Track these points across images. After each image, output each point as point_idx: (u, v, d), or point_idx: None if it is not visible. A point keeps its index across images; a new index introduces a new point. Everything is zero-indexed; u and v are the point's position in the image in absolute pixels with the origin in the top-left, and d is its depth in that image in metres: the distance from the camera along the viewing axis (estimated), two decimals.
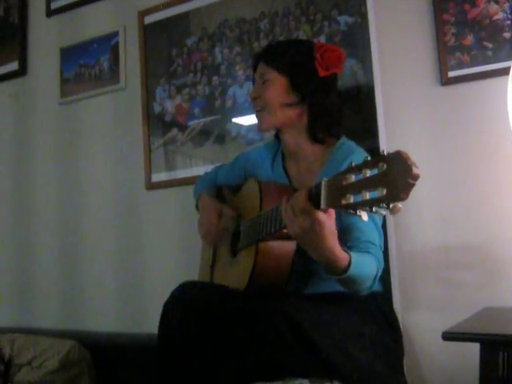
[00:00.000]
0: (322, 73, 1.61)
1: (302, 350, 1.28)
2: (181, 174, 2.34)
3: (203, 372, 1.39)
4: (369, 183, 0.98)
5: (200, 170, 2.25)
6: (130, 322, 2.38)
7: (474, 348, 1.21)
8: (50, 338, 2.26)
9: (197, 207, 1.87)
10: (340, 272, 1.29)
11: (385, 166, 0.95)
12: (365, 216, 1.03)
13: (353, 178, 1.03)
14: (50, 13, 2.75)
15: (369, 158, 1.00)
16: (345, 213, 1.06)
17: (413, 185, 0.92)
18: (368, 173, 0.99)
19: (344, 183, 1.05)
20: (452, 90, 1.66)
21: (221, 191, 1.88)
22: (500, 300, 1.51)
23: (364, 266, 1.35)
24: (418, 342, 1.61)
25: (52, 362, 2.13)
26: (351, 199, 1.03)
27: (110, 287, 2.46)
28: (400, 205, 0.97)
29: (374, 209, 0.99)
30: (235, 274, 1.60)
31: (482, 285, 1.56)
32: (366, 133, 1.83)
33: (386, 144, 1.67)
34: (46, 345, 2.20)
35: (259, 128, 1.71)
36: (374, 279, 1.40)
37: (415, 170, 0.92)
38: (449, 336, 1.20)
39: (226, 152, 2.21)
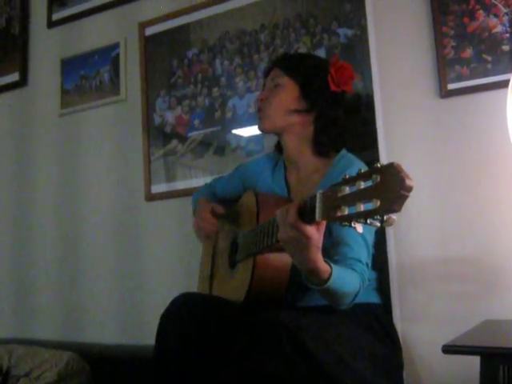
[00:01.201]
0: (332, 87, 1.65)
1: (302, 363, 1.27)
2: (181, 185, 2.34)
3: None
4: (363, 195, 0.99)
5: (200, 181, 2.25)
6: (129, 333, 2.37)
7: (475, 361, 1.21)
8: (49, 349, 2.25)
9: (194, 213, 1.88)
10: (319, 283, 1.30)
11: (378, 178, 0.95)
12: (360, 228, 1.03)
13: (347, 189, 1.04)
14: (51, 24, 2.77)
15: (363, 170, 1.01)
16: (340, 225, 1.06)
17: (406, 196, 0.92)
18: (362, 184, 1.00)
19: (339, 195, 1.05)
20: (451, 102, 1.66)
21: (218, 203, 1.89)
22: (501, 312, 1.51)
23: (345, 282, 1.36)
24: (417, 355, 1.60)
25: (50, 373, 2.12)
26: (346, 211, 1.03)
27: (109, 299, 2.45)
28: (394, 217, 0.97)
29: (368, 221, 0.99)
30: (233, 286, 1.60)
31: (482, 297, 1.56)
32: (366, 144, 1.83)
33: (386, 156, 1.67)
34: (45, 356, 2.19)
35: (259, 127, 1.73)
36: (355, 296, 1.41)
37: (408, 182, 0.92)
38: (449, 349, 1.19)
39: (226, 163, 2.21)
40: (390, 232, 1.65)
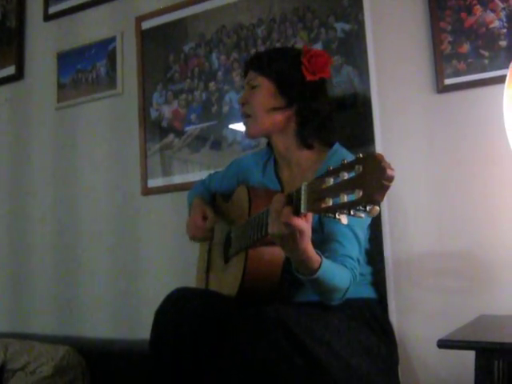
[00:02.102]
0: (308, 77, 1.63)
1: (298, 359, 1.27)
2: (177, 179, 2.33)
3: (196, 379, 1.39)
4: (346, 186, 0.99)
5: (196, 175, 2.25)
6: (125, 328, 2.37)
7: (470, 356, 1.21)
8: (45, 343, 2.26)
9: (189, 213, 1.88)
10: (309, 273, 1.30)
11: (361, 168, 0.96)
12: (344, 219, 1.03)
13: (331, 181, 1.04)
14: (47, 17, 2.76)
15: (346, 161, 1.01)
16: (325, 217, 1.06)
17: (387, 186, 0.92)
18: (346, 176, 1.00)
19: (323, 187, 1.05)
20: (448, 97, 1.66)
21: (214, 198, 1.89)
22: (496, 307, 1.51)
23: (335, 275, 1.35)
24: (413, 350, 1.61)
25: (46, 367, 2.12)
26: (330, 202, 1.03)
27: (105, 293, 2.45)
28: (377, 207, 0.96)
29: (351, 211, 0.99)
30: (227, 281, 1.60)
31: (477, 292, 1.56)
32: (363, 139, 1.83)
33: (382, 151, 1.67)
34: (41, 350, 2.19)
35: (246, 134, 1.74)
36: (346, 291, 1.41)
37: (389, 172, 0.92)
38: (444, 344, 1.19)
39: (223, 158, 2.21)
40: (386, 227, 1.65)
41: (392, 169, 0.92)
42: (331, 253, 1.43)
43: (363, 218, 1.00)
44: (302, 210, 1.12)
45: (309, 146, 1.65)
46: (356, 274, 1.44)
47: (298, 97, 1.64)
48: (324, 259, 1.31)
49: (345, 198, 0.99)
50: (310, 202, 1.10)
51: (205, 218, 1.77)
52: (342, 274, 1.40)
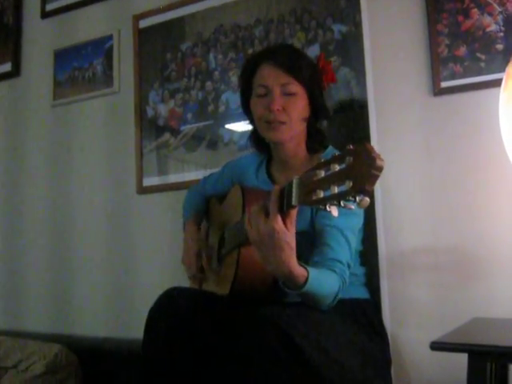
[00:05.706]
0: (326, 86, 1.65)
1: (291, 361, 1.26)
2: (173, 178, 2.33)
3: (188, 379, 1.38)
4: (337, 177, 1.00)
5: (192, 175, 2.25)
6: (118, 326, 2.36)
7: (463, 358, 1.21)
8: (37, 341, 2.25)
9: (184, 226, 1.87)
10: (295, 288, 1.30)
11: (351, 160, 0.97)
12: (335, 211, 1.04)
13: (322, 173, 1.05)
14: (44, 15, 2.75)
15: (337, 154, 1.01)
16: (317, 209, 1.07)
17: (377, 176, 0.94)
18: (337, 167, 1.01)
19: (314, 179, 1.06)
20: (444, 100, 1.67)
21: (209, 202, 1.88)
22: (490, 305, 1.52)
23: (322, 285, 1.35)
24: (406, 351, 1.61)
25: (38, 365, 2.11)
26: (321, 194, 1.04)
27: (99, 291, 2.45)
28: (367, 198, 0.98)
29: (342, 203, 1.00)
30: (220, 280, 1.60)
31: (471, 290, 1.57)
32: (358, 141, 1.83)
33: (378, 152, 1.67)
34: (33, 348, 2.18)
35: (276, 138, 1.62)
36: (335, 297, 1.40)
37: (379, 162, 0.94)
38: (437, 346, 1.19)
39: (219, 157, 2.20)
40: (380, 227, 1.65)
41: (382, 159, 0.94)
42: (320, 256, 1.43)
43: (353, 210, 1.02)
44: (293, 203, 1.13)
45: (316, 151, 1.65)
46: (345, 279, 1.43)
47: (319, 107, 1.64)
48: (310, 271, 1.30)
49: (335, 190, 1.00)
50: (301, 195, 1.11)
51: (199, 254, 1.74)
52: (330, 282, 1.39)
